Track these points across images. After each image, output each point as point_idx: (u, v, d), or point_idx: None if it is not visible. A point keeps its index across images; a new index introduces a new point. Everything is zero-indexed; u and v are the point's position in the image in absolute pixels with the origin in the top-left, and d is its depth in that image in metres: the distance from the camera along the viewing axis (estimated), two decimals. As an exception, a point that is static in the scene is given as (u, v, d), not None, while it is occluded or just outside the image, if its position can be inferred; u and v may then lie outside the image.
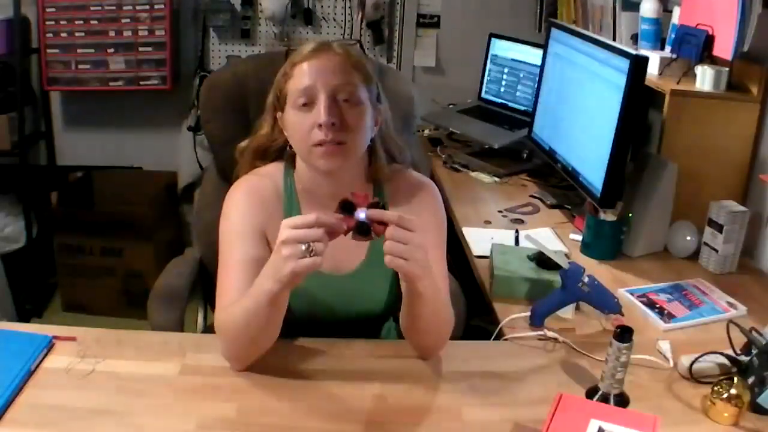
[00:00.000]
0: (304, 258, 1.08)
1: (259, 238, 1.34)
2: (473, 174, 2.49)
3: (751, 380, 1.24)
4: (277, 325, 1.22)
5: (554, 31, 2.31)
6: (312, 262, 1.08)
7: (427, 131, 2.93)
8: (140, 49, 3.04)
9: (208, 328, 1.74)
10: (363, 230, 1.12)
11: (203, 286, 1.81)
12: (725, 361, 1.32)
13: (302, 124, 1.30)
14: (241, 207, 1.36)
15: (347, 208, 1.12)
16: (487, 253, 1.77)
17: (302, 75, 1.31)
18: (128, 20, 3.01)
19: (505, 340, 1.46)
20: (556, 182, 2.37)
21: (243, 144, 1.46)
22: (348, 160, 1.32)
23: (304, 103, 1.30)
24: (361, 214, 1.12)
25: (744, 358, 1.29)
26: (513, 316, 1.51)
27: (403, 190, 1.44)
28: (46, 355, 1.28)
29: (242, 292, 1.24)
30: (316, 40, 1.37)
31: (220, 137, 1.68)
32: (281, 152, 1.43)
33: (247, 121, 1.64)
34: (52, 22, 2.99)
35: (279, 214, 1.38)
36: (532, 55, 2.73)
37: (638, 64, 1.75)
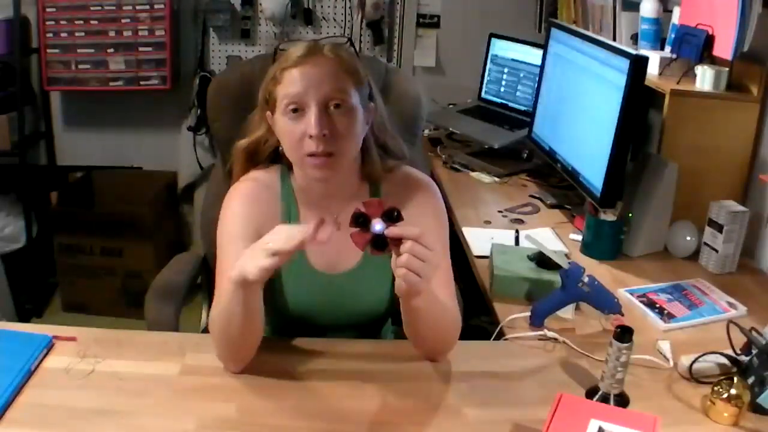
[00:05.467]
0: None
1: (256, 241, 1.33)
2: (473, 174, 2.49)
3: (751, 380, 1.24)
4: (256, 323, 1.21)
5: (554, 31, 2.31)
6: (272, 262, 1.08)
7: (427, 131, 2.93)
8: (140, 49, 3.04)
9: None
10: (380, 244, 1.06)
11: (207, 283, 1.81)
12: (725, 361, 1.32)
13: (293, 132, 1.27)
14: (238, 211, 1.35)
15: (361, 221, 1.07)
16: (487, 253, 1.76)
17: (292, 81, 1.27)
18: (128, 20, 3.01)
19: (505, 340, 1.46)
20: (556, 182, 2.37)
21: (242, 142, 1.42)
22: (339, 168, 1.31)
23: (293, 109, 1.27)
24: (377, 226, 1.06)
25: (744, 358, 1.29)
26: (513, 316, 1.51)
27: (400, 189, 1.40)
28: (46, 355, 1.28)
29: None
30: (307, 42, 1.34)
31: (226, 136, 1.68)
32: (275, 153, 1.41)
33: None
34: (52, 22, 2.99)
35: (276, 217, 1.37)
36: (532, 55, 2.73)
37: (638, 64, 1.75)
